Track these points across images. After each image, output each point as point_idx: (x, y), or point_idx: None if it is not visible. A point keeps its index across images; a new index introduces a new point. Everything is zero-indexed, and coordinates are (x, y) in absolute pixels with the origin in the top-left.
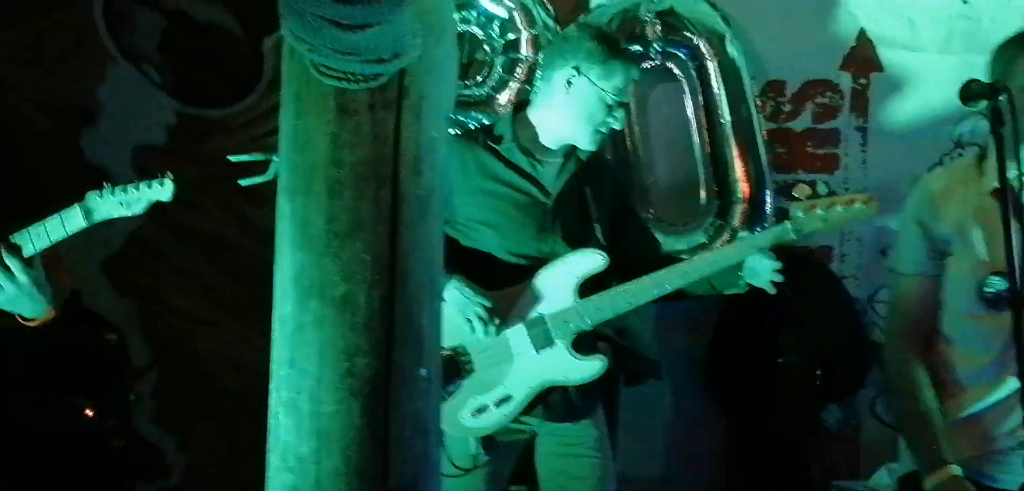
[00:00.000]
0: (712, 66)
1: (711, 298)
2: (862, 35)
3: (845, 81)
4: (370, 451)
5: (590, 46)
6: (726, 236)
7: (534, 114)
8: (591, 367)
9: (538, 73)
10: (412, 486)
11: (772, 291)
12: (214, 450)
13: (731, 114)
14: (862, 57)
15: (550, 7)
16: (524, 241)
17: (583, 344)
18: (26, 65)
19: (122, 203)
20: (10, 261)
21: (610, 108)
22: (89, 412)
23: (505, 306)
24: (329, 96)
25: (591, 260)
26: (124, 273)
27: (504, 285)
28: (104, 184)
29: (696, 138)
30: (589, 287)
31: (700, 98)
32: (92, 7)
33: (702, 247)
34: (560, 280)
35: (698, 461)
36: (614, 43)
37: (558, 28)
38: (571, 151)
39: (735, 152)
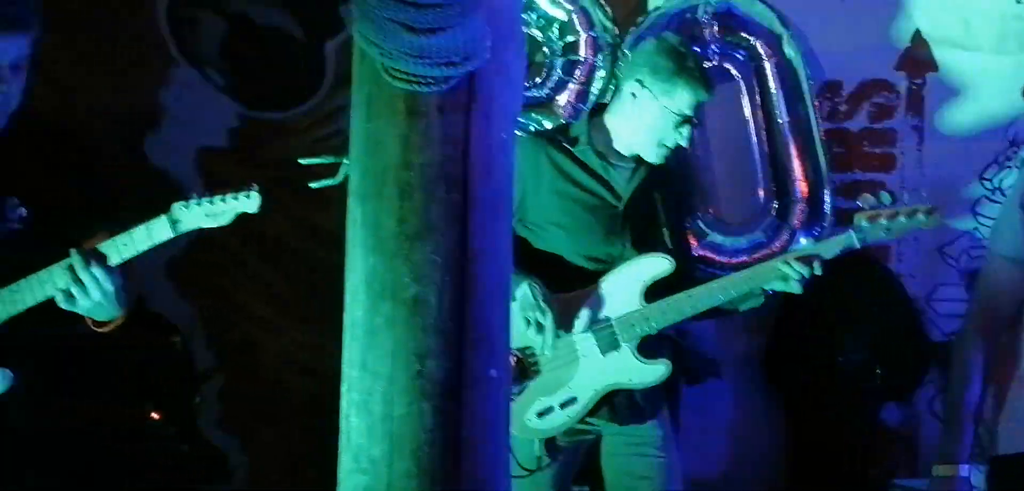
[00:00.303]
0: (769, 66)
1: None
2: (917, 35)
3: (901, 81)
4: (441, 453)
5: (656, 61)
6: (785, 235)
7: (609, 120)
8: (656, 371)
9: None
10: (483, 488)
11: (799, 291)
12: (277, 454)
13: (788, 114)
14: (917, 57)
15: (608, 9)
16: (594, 244)
17: (648, 348)
18: (94, 72)
19: (208, 214)
20: (96, 271)
21: (674, 124)
22: (155, 416)
23: (573, 308)
24: (399, 99)
25: (658, 264)
26: (189, 276)
27: (573, 287)
28: (191, 194)
29: (754, 138)
30: (655, 291)
31: (757, 98)
32: (156, 13)
33: (761, 246)
34: (627, 284)
35: (758, 460)
36: (682, 61)
37: (616, 30)
38: (641, 158)
39: (793, 152)
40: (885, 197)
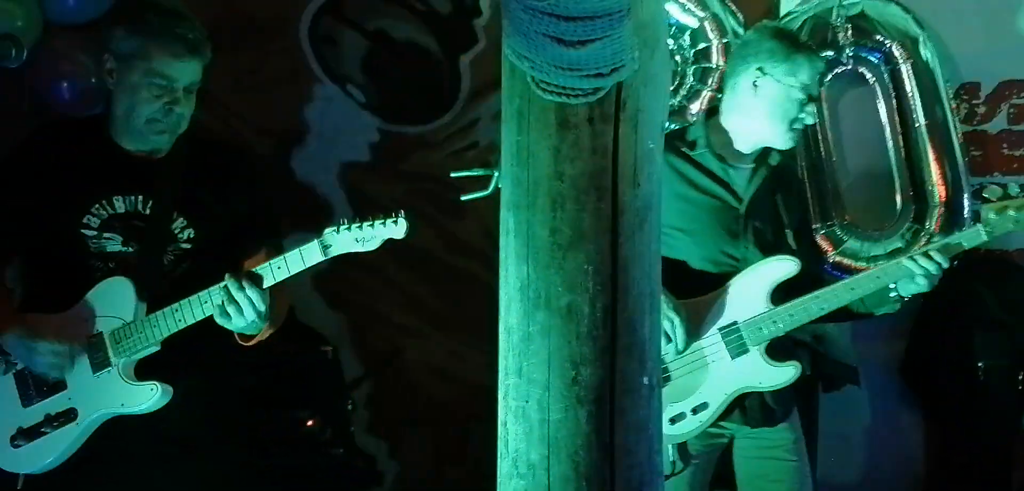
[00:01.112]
0: (905, 69)
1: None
2: None
3: None
4: (597, 457)
5: (771, 45)
6: (923, 240)
7: (726, 120)
8: (786, 373)
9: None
10: None
11: (926, 288)
12: (422, 458)
13: (926, 117)
14: None
15: (740, 15)
16: (717, 247)
17: (778, 350)
18: (247, 91)
19: (358, 240)
20: (251, 293)
21: (801, 103)
22: (311, 423)
23: (700, 313)
24: (550, 111)
25: (784, 266)
26: (335, 288)
27: (699, 292)
28: (342, 220)
29: (890, 142)
30: (783, 294)
31: (893, 102)
32: (299, 33)
33: (898, 252)
34: (753, 286)
35: (897, 467)
36: (794, 39)
37: None
38: (763, 156)
39: (931, 155)
40: (1013, 187)
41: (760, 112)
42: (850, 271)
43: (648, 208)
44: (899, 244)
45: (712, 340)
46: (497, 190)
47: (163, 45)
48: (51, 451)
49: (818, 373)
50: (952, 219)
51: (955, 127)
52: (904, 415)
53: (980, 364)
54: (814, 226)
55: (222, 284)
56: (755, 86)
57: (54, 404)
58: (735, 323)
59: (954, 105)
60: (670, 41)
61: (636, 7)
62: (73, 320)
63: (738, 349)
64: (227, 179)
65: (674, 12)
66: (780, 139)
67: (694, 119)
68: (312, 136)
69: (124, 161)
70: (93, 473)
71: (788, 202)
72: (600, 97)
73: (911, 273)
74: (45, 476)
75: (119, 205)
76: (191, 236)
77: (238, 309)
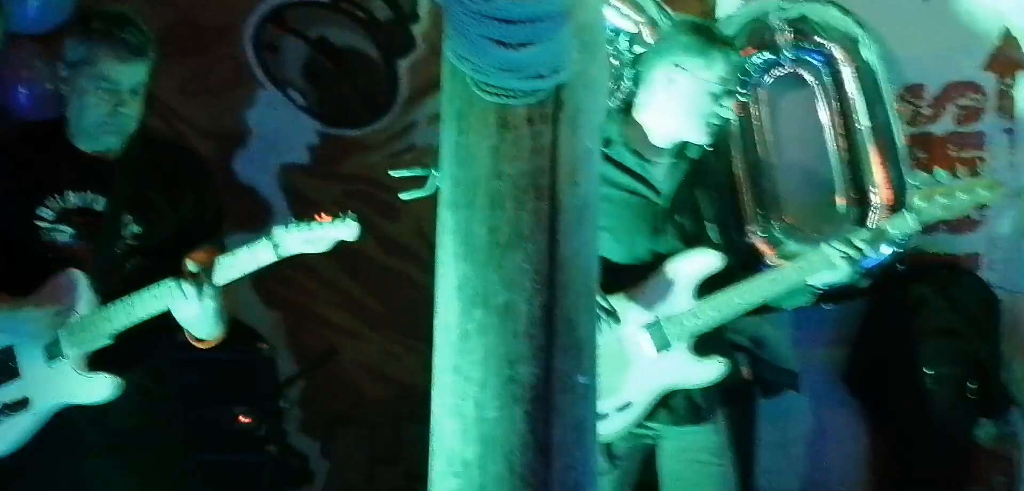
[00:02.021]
0: (847, 71)
1: (848, 306)
2: (1007, 34)
3: (989, 82)
4: (533, 456)
5: (686, 39)
6: None
7: (641, 115)
8: (712, 369)
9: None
10: None
11: (850, 277)
12: (355, 458)
13: (869, 119)
14: (1007, 57)
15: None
16: (639, 243)
17: (705, 346)
18: (192, 95)
19: (308, 240)
20: (204, 289)
21: (716, 97)
22: (246, 420)
23: (622, 308)
24: (490, 112)
25: (706, 260)
26: (271, 286)
27: (620, 288)
28: (290, 219)
29: (831, 145)
30: (711, 289)
31: (835, 103)
32: (242, 38)
33: None
34: (676, 281)
35: (841, 476)
36: (710, 33)
37: None
38: (681, 150)
39: (874, 158)
40: (940, 174)
41: (675, 107)
42: None
43: (586, 207)
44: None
45: (634, 336)
46: (436, 190)
47: (107, 49)
48: (5, 439)
49: (756, 378)
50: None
51: (898, 129)
52: (848, 423)
53: (930, 372)
54: (751, 228)
55: (173, 280)
56: (671, 81)
57: (8, 392)
58: (658, 319)
59: (898, 107)
60: (607, 45)
61: (576, 10)
62: (28, 306)
63: (662, 345)
64: (176, 179)
65: (612, 17)
66: (696, 134)
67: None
68: (253, 139)
69: (79, 159)
70: (42, 461)
71: (709, 195)
72: (540, 98)
73: (830, 262)
74: None
75: (72, 199)
76: (136, 233)
77: (188, 306)
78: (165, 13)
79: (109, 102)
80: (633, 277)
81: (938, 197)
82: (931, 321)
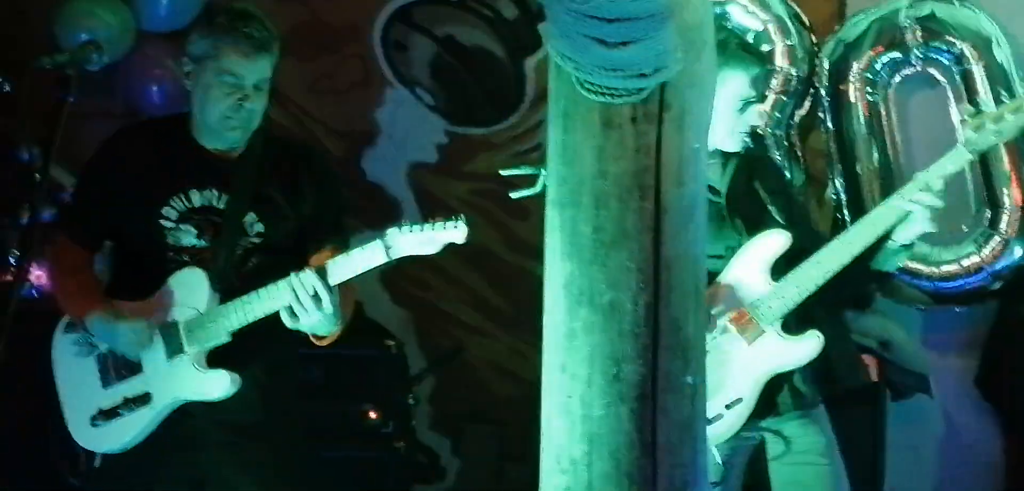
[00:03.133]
0: (977, 70)
1: (979, 309)
2: None
3: None
4: (639, 455)
5: None
6: (996, 244)
7: None
8: (809, 346)
9: None
10: None
11: (928, 226)
12: (485, 454)
13: None
14: None
15: (805, 18)
16: (707, 242)
17: (793, 325)
18: (322, 94)
19: (420, 242)
20: (319, 287)
21: (737, 109)
22: (374, 415)
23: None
24: (594, 111)
25: (775, 240)
26: (400, 285)
27: None
28: (403, 222)
29: None
30: (783, 269)
31: (965, 103)
32: (371, 38)
33: (970, 255)
34: (750, 269)
35: (974, 480)
36: (724, 51)
37: (813, 38)
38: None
39: (1005, 158)
40: (985, 102)
41: None
42: (919, 275)
43: (692, 207)
44: (972, 249)
45: (724, 332)
46: (545, 188)
47: (231, 44)
48: (128, 432)
49: (886, 381)
50: None
51: None
52: (981, 428)
53: None
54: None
55: (288, 281)
56: None
57: (131, 387)
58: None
59: None
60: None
61: (681, 10)
62: (152, 307)
63: (753, 334)
64: (297, 177)
65: (737, 14)
66: (726, 144)
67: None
68: (382, 138)
69: (202, 157)
70: (162, 455)
71: (768, 186)
72: (644, 97)
73: (902, 211)
74: (120, 455)
75: (196, 198)
76: (260, 231)
77: (303, 308)
78: (295, 12)
79: (233, 97)
80: (710, 275)
81: (988, 123)
82: None
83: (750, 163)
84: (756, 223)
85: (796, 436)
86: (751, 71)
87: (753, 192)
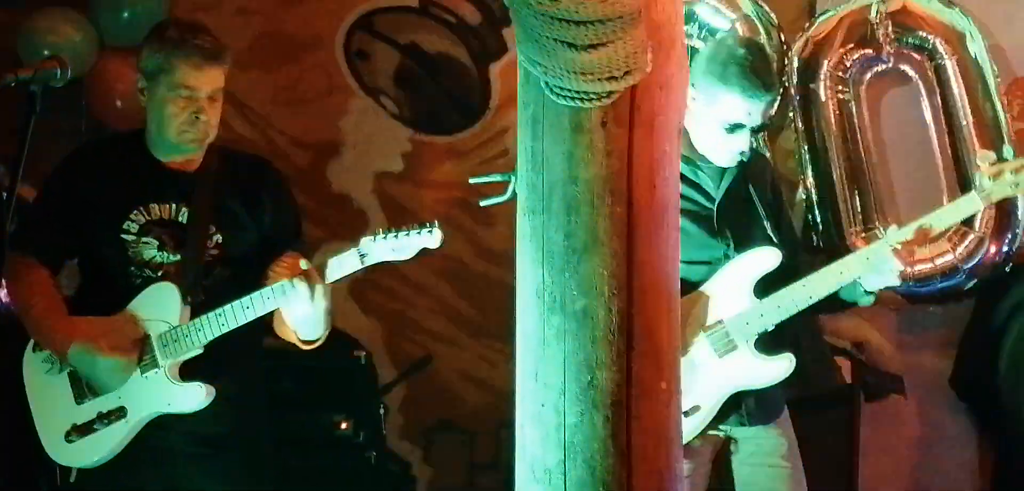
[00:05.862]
0: (950, 65)
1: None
2: None
3: None
4: (614, 462)
5: (707, 65)
6: (970, 243)
7: (687, 122)
8: (779, 367)
9: None
10: None
11: (897, 282)
12: (456, 464)
13: (974, 115)
14: None
15: (774, 16)
16: (694, 248)
17: (768, 344)
18: (286, 105)
19: (393, 249)
20: (317, 288)
21: (726, 131)
22: (344, 425)
23: (683, 315)
24: (564, 116)
25: (764, 258)
26: (368, 293)
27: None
28: (378, 229)
29: (936, 141)
30: (765, 286)
31: (938, 100)
32: (334, 47)
33: (944, 254)
34: (735, 282)
35: (949, 481)
36: (726, 66)
37: (783, 37)
38: None
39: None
40: (1008, 150)
41: (695, 127)
42: None
43: (664, 211)
44: (945, 246)
45: (697, 341)
46: (515, 195)
47: (184, 57)
48: (103, 447)
49: (860, 382)
50: (1004, 221)
51: (1007, 124)
52: (957, 428)
53: None
54: (853, 229)
55: (285, 282)
56: (692, 99)
57: (105, 402)
58: (720, 321)
59: (1005, 101)
60: (702, 43)
61: (650, 9)
62: (123, 323)
63: (726, 348)
64: (255, 189)
65: (705, 14)
66: (718, 158)
67: None
68: (346, 147)
69: (160, 171)
70: (135, 468)
71: (762, 194)
72: (614, 101)
73: (889, 262)
74: (95, 470)
75: (156, 211)
76: (219, 242)
77: (310, 292)
78: (257, 23)
79: (188, 109)
80: (690, 284)
81: (1007, 174)
82: None
83: (748, 168)
84: (746, 235)
85: (756, 438)
86: (751, 97)
87: (748, 200)
